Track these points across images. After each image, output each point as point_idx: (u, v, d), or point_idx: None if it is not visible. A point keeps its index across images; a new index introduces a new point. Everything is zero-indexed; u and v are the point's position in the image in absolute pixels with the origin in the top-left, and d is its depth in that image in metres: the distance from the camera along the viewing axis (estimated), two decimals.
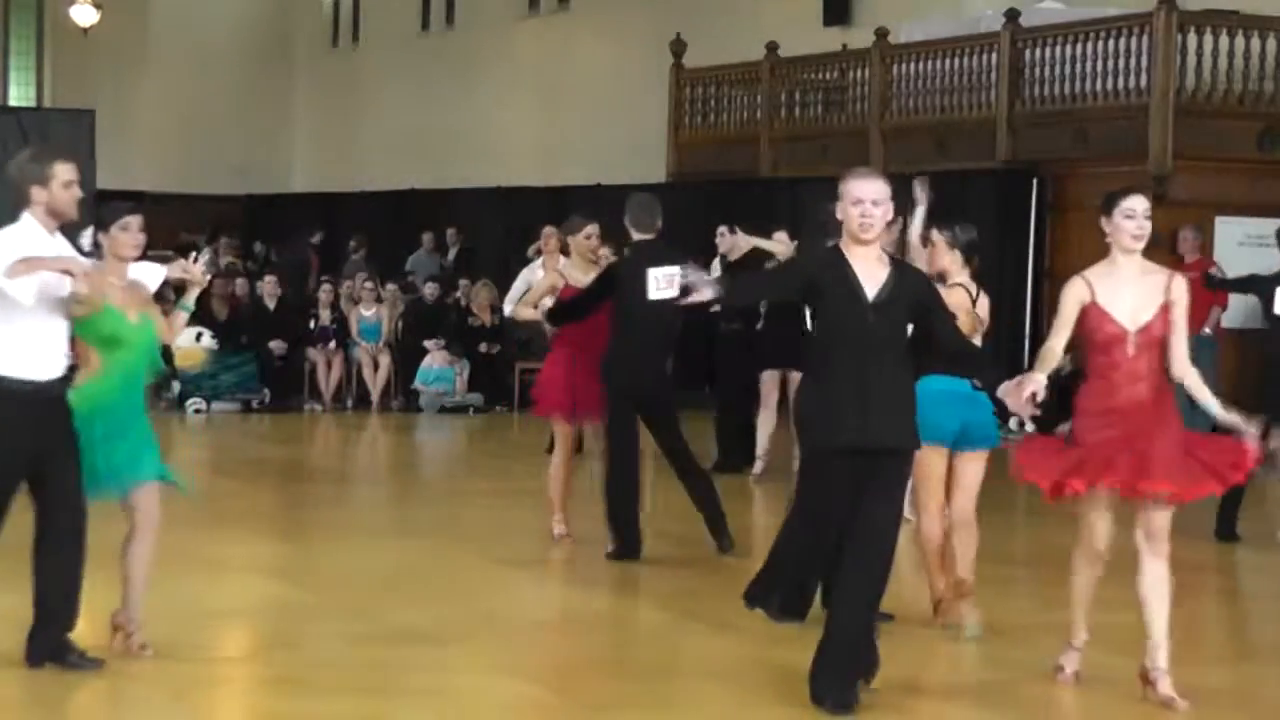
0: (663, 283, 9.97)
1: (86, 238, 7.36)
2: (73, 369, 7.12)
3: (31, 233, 6.95)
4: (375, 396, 19.60)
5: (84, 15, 31.31)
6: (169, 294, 7.92)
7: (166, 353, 7.54)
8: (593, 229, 10.64)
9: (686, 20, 23.27)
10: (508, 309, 15.11)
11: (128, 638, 7.30)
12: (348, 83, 31.87)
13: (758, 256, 13.34)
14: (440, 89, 29.23)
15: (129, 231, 7.16)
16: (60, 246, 7.03)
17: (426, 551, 10.72)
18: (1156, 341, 6.84)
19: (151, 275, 7.44)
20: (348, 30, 32.75)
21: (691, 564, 10.26)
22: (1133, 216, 6.86)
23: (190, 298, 7.42)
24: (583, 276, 10.51)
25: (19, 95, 35.49)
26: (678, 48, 22.65)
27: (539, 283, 11.22)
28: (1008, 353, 16.61)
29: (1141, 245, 6.89)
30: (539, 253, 14.85)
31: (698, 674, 7.64)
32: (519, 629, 8.57)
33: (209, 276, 7.54)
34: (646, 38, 24.12)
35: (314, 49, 33.23)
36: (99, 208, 7.59)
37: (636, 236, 10.36)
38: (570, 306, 10.43)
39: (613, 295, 10.18)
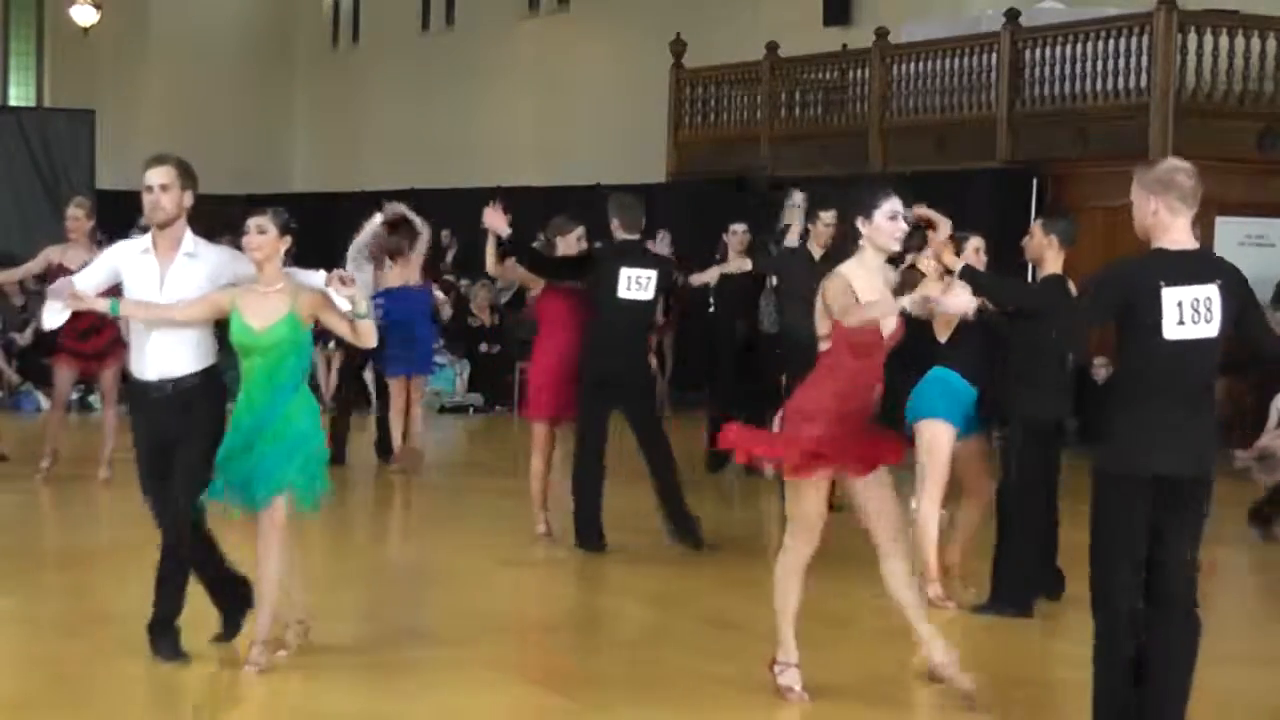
0: (634, 284, 10.25)
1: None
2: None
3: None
4: (375, 396, 19.55)
5: (84, 15, 31.29)
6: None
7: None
8: (581, 230, 10.76)
9: (686, 20, 23.26)
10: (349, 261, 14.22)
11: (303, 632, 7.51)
12: (348, 83, 31.86)
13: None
14: (440, 89, 29.23)
15: (247, 235, 7.15)
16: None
17: (427, 551, 10.72)
18: None
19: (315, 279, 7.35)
20: (348, 30, 32.74)
21: (692, 563, 10.27)
22: (895, 218, 6.79)
23: (361, 305, 7.12)
24: None
25: (19, 95, 35.47)
26: (678, 48, 22.64)
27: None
28: None
29: (898, 247, 6.90)
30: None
31: (699, 674, 7.64)
32: (520, 629, 8.57)
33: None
34: (646, 38, 24.11)
35: (314, 49, 33.22)
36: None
37: (622, 236, 10.50)
38: (553, 263, 10.60)
39: (588, 287, 10.40)
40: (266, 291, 7.16)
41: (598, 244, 10.94)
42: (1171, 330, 5.90)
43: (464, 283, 21.52)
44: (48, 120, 26.28)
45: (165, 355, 7.28)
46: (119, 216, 15.58)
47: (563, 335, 10.50)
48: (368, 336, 7.22)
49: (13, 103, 34.29)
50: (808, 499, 6.91)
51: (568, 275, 10.54)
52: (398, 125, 30.15)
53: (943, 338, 8.87)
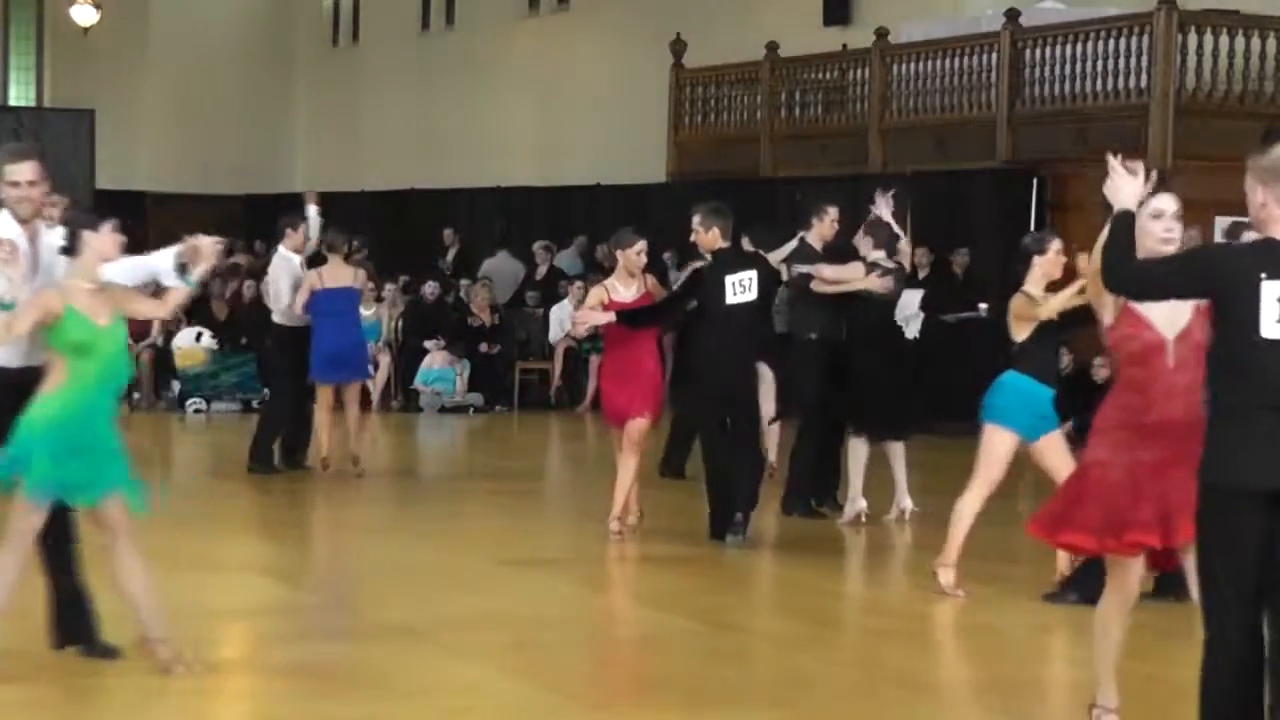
0: (738, 288, 10.51)
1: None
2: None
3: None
4: (375, 396, 19.57)
5: (84, 15, 31.28)
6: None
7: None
8: (643, 245, 10.84)
9: (686, 20, 23.27)
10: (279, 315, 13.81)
11: (157, 654, 7.08)
12: (348, 83, 31.85)
13: None
14: (440, 89, 29.23)
15: (100, 233, 7.02)
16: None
17: (427, 551, 10.72)
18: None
19: (130, 271, 7.34)
20: (348, 30, 32.74)
21: (692, 563, 10.27)
22: (1160, 217, 6.35)
23: (197, 273, 7.20)
24: (625, 289, 10.77)
25: (19, 95, 35.45)
26: (678, 48, 22.65)
27: (590, 296, 11.22)
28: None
29: (1171, 249, 6.30)
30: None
31: (698, 674, 7.63)
32: (519, 629, 8.56)
33: (218, 248, 7.32)
34: (646, 38, 24.12)
35: (314, 49, 33.22)
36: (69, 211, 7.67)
37: (720, 244, 10.67)
38: (653, 311, 10.82)
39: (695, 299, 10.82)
40: (94, 289, 6.98)
41: (697, 264, 11.32)
42: (1271, 329, 5.20)
43: (464, 282, 21.52)
44: (47, 120, 26.28)
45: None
46: (118, 216, 15.56)
47: (629, 345, 10.69)
48: (174, 302, 7.35)
49: (13, 103, 34.26)
50: (1123, 562, 6.24)
51: (680, 312, 11.17)
52: (397, 125, 30.15)
53: (1019, 336, 8.70)
